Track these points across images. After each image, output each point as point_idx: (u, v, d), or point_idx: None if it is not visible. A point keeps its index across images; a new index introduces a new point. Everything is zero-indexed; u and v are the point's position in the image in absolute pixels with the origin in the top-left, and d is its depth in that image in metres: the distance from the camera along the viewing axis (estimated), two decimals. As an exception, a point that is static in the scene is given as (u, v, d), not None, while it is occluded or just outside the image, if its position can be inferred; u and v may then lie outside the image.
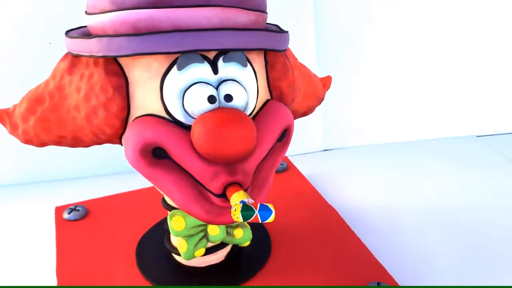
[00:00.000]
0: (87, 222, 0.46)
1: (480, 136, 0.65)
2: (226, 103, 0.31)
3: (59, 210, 0.47)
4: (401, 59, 0.62)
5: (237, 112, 0.30)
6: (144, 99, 0.31)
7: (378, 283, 0.37)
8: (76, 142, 0.34)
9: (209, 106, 0.30)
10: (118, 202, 0.49)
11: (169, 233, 0.41)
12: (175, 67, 0.30)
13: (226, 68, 0.31)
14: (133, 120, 0.32)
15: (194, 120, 0.31)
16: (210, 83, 0.31)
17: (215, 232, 0.37)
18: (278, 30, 0.33)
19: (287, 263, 0.40)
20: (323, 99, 0.42)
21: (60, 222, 0.46)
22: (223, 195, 0.31)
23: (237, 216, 0.28)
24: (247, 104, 0.32)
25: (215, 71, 0.31)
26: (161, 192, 0.33)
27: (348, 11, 0.60)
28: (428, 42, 0.62)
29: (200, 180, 0.31)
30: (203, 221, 0.32)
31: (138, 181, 0.56)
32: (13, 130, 0.35)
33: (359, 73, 0.63)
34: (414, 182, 0.56)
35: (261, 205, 0.28)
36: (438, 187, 0.54)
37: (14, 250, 0.46)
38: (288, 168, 0.55)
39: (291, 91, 0.36)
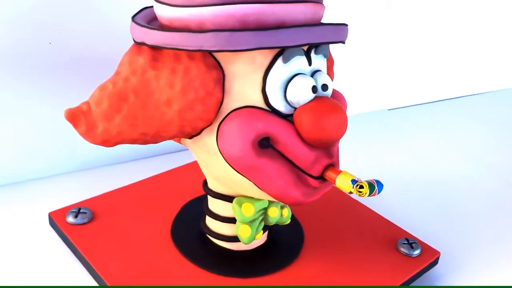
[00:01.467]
0: (100, 223, 0.43)
1: (391, 109, 0.76)
2: (323, 92, 0.33)
3: (57, 215, 0.43)
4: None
5: (335, 100, 0.33)
6: (244, 91, 0.32)
7: (407, 240, 0.43)
8: (154, 138, 0.33)
9: (312, 96, 0.33)
10: (120, 197, 0.46)
11: (204, 218, 0.42)
12: (279, 60, 0.32)
13: (316, 60, 0.34)
14: (233, 112, 0.32)
15: (294, 109, 0.33)
16: (308, 74, 0.33)
17: (275, 213, 0.39)
18: (345, 24, 0.36)
19: (321, 237, 0.44)
20: None
21: (66, 227, 0.42)
22: (321, 177, 0.34)
23: (365, 192, 0.31)
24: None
25: (310, 62, 0.33)
26: (253, 183, 0.33)
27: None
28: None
29: (302, 165, 0.33)
30: (295, 203, 0.34)
31: (108, 175, 0.54)
32: (89, 130, 0.32)
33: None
34: (353, 153, 0.64)
35: (376, 180, 0.32)
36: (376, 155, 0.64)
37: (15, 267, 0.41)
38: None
39: (332, 78, 0.40)
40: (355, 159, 0.62)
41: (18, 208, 0.48)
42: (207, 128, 0.33)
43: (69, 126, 0.50)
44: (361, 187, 0.31)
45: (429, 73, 0.78)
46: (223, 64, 0.32)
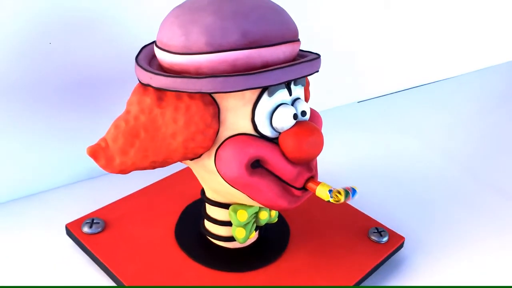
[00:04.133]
0: (112, 231, 0.49)
1: (361, 101, 0.83)
2: (302, 117, 0.40)
3: (73, 226, 0.49)
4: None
5: (313, 123, 0.40)
6: (237, 122, 0.38)
7: (377, 228, 0.51)
8: (162, 164, 0.39)
9: (293, 122, 0.39)
10: (127, 205, 0.52)
11: (203, 222, 0.48)
12: (265, 95, 0.38)
13: (295, 90, 0.40)
14: (227, 139, 0.38)
15: (279, 134, 0.39)
16: (289, 103, 0.39)
17: (265, 216, 0.46)
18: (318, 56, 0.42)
19: (304, 231, 0.51)
20: None
21: (83, 237, 0.48)
22: (303, 188, 0.40)
23: (341, 198, 0.38)
24: None
25: (290, 93, 0.39)
26: (247, 195, 0.40)
27: None
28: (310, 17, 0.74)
29: (287, 179, 0.40)
30: (282, 210, 0.41)
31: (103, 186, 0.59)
32: (108, 163, 0.38)
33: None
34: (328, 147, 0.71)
35: (351, 188, 0.39)
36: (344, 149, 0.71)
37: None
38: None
39: (309, 96, 0.46)
40: (333, 153, 0.69)
41: (36, 219, 0.54)
42: (206, 153, 0.39)
43: (76, 138, 0.56)
44: (338, 192, 0.38)
45: (393, 64, 0.85)
46: (218, 100, 0.38)
